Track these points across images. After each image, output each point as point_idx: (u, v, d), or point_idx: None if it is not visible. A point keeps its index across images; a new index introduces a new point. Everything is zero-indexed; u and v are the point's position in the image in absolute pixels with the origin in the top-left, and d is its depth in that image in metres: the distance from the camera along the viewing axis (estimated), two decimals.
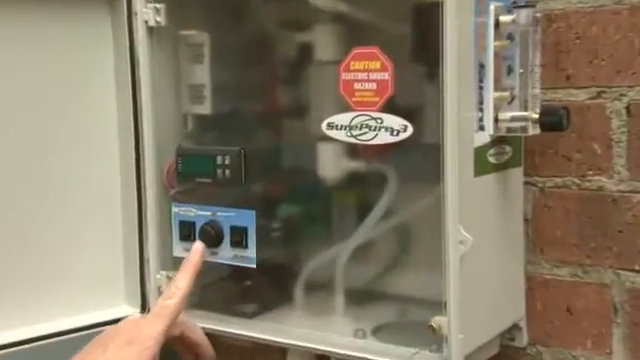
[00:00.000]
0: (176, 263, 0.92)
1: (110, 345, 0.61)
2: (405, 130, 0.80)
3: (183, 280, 0.76)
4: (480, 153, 0.80)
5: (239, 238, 0.90)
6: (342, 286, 0.90)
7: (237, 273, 0.94)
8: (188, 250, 0.88)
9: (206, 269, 0.94)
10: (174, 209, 0.94)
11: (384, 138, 0.80)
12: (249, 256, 0.89)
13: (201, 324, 0.86)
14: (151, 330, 0.65)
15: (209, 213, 0.92)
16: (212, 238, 0.90)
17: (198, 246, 0.83)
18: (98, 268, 0.99)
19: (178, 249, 0.95)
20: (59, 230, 0.96)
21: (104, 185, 0.99)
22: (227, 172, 0.90)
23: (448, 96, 0.75)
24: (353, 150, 0.87)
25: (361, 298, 0.91)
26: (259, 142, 0.95)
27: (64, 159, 0.96)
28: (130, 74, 0.96)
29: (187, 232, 0.93)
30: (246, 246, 0.89)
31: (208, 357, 0.72)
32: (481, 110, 0.80)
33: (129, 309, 0.99)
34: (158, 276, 0.97)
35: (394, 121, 0.80)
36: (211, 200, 0.92)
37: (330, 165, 0.89)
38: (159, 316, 0.69)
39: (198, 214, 0.92)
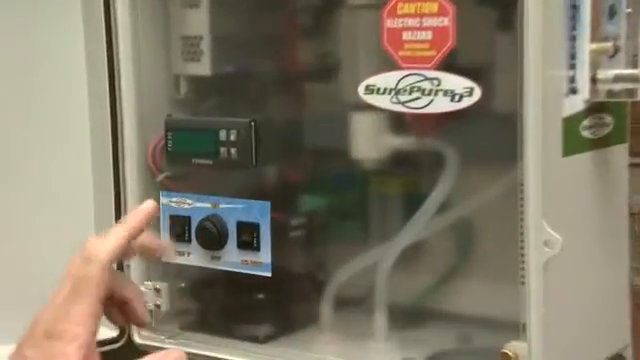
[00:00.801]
0: (166, 271, 0.94)
1: (66, 275, 0.65)
2: (470, 94, 0.78)
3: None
4: (571, 125, 0.78)
5: (249, 238, 0.89)
6: (384, 302, 0.90)
7: (246, 284, 0.93)
8: (183, 254, 0.90)
9: (205, 279, 0.95)
10: (163, 200, 0.94)
11: (442, 105, 0.79)
12: (262, 261, 0.89)
13: (199, 351, 0.86)
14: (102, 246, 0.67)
15: (209, 205, 0.91)
16: (213, 238, 0.90)
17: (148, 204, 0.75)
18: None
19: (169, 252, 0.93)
20: (10, 228, 0.96)
21: (70, 169, 0.99)
22: (233, 151, 0.89)
23: (529, 49, 0.73)
24: (399, 122, 0.86)
25: (410, 318, 0.91)
26: (274, 112, 0.94)
27: (20, 138, 0.95)
28: (104, 23, 0.95)
29: (180, 230, 0.93)
30: (258, 248, 0.89)
31: (140, 318, 0.71)
32: (573, 67, 0.78)
33: (103, 330, 0.94)
34: (142, 288, 0.95)
35: (456, 82, 0.78)
36: (212, 188, 0.92)
37: (368, 142, 0.88)
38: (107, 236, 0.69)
39: (195, 206, 0.92)
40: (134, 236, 0.69)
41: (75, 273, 0.64)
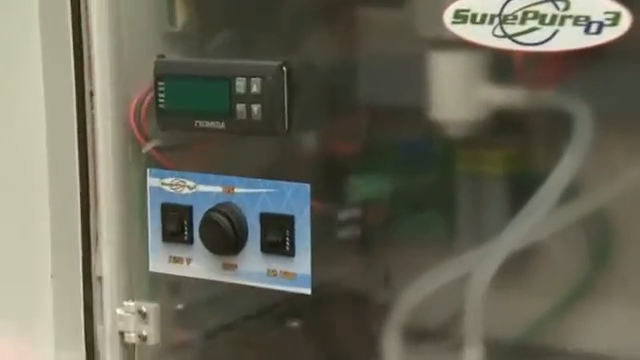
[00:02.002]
0: (156, 287, 0.96)
1: None
2: (614, 22, 0.77)
3: None
4: None
5: (278, 237, 0.90)
6: (478, 333, 0.90)
7: (274, 306, 0.94)
8: (181, 262, 0.92)
9: (214, 298, 0.97)
10: (152, 181, 0.95)
11: (571, 39, 0.78)
12: (297, 272, 0.90)
13: None
14: None
15: (220, 189, 0.92)
16: (226, 237, 0.91)
17: None
18: (7, 294, 1.02)
19: (160, 259, 0.96)
20: None
21: (18, 134, 1.00)
22: (255, 110, 0.89)
23: None
24: (505, 66, 0.85)
25: (515, 356, 0.92)
26: (315, 52, 0.94)
27: None
28: None
29: (177, 225, 0.94)
30: (291, 253, 0.90)
31: None
32: None
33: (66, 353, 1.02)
34: (120, 311, 0.98)
35: (593, 5, 0.77)
36: (224, 164, 0.93)
37: (456, 97, 0.88)
38: None
39: (199, 191, 0.93)
40: None
41: None
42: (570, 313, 0.90)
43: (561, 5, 0.78)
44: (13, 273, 1.03)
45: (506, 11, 0.80)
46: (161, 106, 0.92)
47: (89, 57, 0.96)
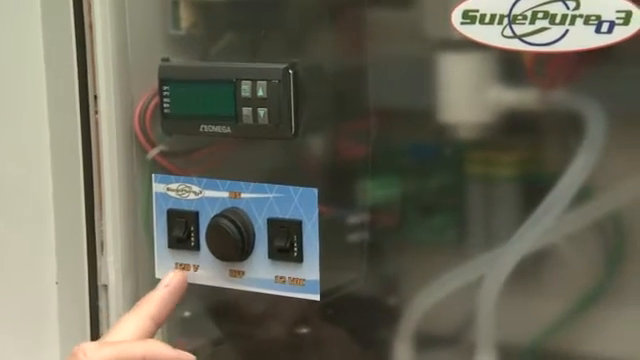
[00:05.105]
0: None
1: None
2: (626, 22, 0.77)
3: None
4: None
5: (286, 243, 0.90)
6: (490, 339, 0.90)
7: (283, 313, 0.95)
8: (185, 268, 0.92)
9: (221, 305, 0.97)
10: (157, 187, 0.95)
11: (582, 39, 0.78)
12: (305, 278, 0.90)
13: None
14: None
15: (226, 194, 0.92)
16: (233, 243, 0.91)
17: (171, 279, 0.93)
18: (12, 301, 1.02)
19: (166, 265, 0.96)
20: None
21: (22, 142, 1.00)
22: (261, 114, 0.89)
23: None
24: (515, 67, 0.85)
25: None
26: (322, 54, 0.94)
27: None
28: None
29: (183, 232, 0.94)
30: (299, 259, 0.90)
31: None
32: None
33: None
34: None
35: (604, 4, 0.77)
36: (231, 169, 0.93)
37: (465, 99, 0.88)
38: None
39: (205, 197, 0.93)
40: (150, 332, 0.85)
41: None
42: (585, 318, 0.89)
43: (571, 4, 0.78)
44: (18, 280, 1.02)
45: (515, 11, 0.80)
46: (166, 110, 0.93)
47: (93, 60, 0.96)
